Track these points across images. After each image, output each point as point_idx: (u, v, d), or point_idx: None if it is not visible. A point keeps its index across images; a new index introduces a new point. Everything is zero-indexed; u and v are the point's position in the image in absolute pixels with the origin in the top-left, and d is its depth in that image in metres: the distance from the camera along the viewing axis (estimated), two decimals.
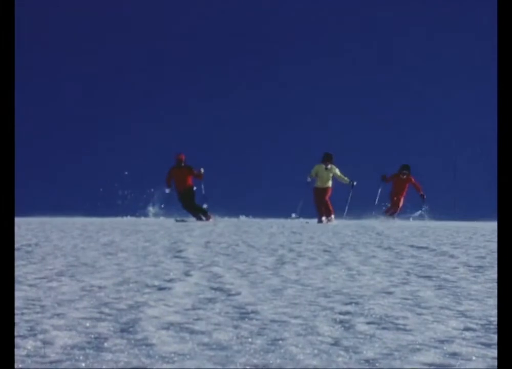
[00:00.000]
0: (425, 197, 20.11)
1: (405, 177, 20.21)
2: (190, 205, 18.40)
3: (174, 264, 6.64)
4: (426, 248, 8.59)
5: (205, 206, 18.45)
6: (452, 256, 7.66)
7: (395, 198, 20.35)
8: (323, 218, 18.55)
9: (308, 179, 18.71)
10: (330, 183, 18.88)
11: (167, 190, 18.55)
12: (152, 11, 26.06)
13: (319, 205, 18.69)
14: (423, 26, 25.75)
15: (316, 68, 26.37)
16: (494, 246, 9.01)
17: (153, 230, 11.70)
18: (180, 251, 7.88)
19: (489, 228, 12.91)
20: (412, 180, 20.28)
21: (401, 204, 20.35)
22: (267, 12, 26.15)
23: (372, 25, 26.17)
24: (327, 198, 18.68)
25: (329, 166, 18.77)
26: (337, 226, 14.99)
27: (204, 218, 18.09)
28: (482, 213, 19.16)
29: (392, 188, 20.45)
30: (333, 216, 18.60)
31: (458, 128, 24.98)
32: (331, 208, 18.80)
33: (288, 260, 7.14)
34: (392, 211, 20.31)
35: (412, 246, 8.84)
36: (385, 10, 25.87)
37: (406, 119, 25.94)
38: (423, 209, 20.38)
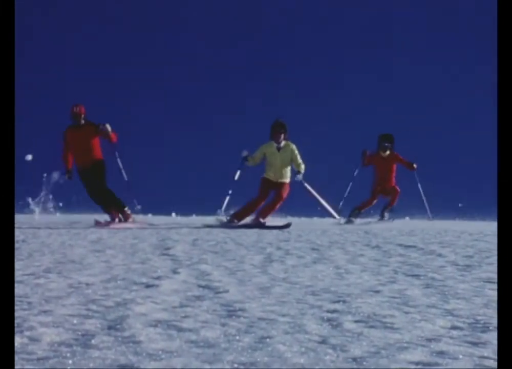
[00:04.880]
0: (415, 166, 14.73)
1: (387, 153, 14.58)
2: (99, 191, 12.01)
3: (162, 262, 6.64)
4: (414, 247, 8.61)
5: (138, 206, 12.51)
6: (440, 255, 7.68)
7: (379, 188, 14.69)
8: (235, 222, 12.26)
9: (244, 153, 12.64)
10: (288, 175, 12.54)
11: (67, 177, 12.11)
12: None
13: (258, 200, 12.46)
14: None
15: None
16: (482, 245, 9.05)
17: (142, 228, 11.68)
18: (168, 248, 7.87)
19: (476, 228, 12.95)
20: (399, 156, 14.74)
21: (396, 195, 14.68)
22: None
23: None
24: (283, 193, 12.45)
25: (282, 143, 12.41)
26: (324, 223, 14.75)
27: (118, 217, 12.16)
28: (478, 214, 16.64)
29: (374, 175, 14.75)
30: (263, 220, 12.25)
31: (458, 126, 24.85)
32: (275, 208, 12.46)
33: (276, 258, 7.14)
34: (366, 205, 14.70)
35: (400, 245, 8.86)
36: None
37: (403, 114, 25.56)
38: (419, 186, 15.04)
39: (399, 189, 14.78)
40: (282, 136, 12.42)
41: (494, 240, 9.73)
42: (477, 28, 23.71)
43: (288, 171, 12.54)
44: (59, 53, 24.70)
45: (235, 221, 12.33)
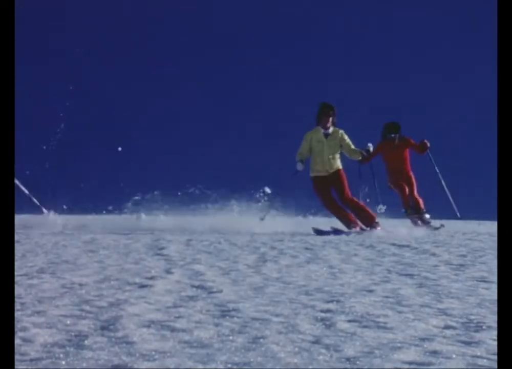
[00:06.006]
0: (428, 145, 12.86)
1: (396, 141, 12.81)
2: None
3: (155, 262, 6.63)
4: (407, 246, 8.62)
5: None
6: (433, 254, 7.69)
7: (400, 183, 12.77)
8: (358, 227, 10.72)
9: (299, 167, 10.97)
10: (339, 163, 10.92)
11: None
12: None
13: (337, 210, 10.83)
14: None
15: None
16: (475, 244, 9.06)
17: (135, 228, 11.67)
18: (162, 248, 7.86)
19: (470, 227, 12.97)
20: (410, 139, 12.90)
21: (414, 185, 12.82)
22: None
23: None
24: (347, 193, 10.83)
25: (331, 129, 10.89)
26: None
27: None
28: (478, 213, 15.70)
29: (387, 168, 12.98)
30: (378, 221, 10.88)
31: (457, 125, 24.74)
32: (366, 208, 10.93)
33: (269, 257, 7.14)
34: (414, 206, 12.75)
35: (393, 244, 8.87)
36: None
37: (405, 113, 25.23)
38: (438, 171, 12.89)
39: (414, 180, 12.93)
40: (331, 119, 10.83)
41: (487, 239, 9.75)
42: (477, 28, 23.73)
43: (337, 160, 10.89)
44: (58, 51, 24.71)
45: (354, 225, 10.77)
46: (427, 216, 12.93)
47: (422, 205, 12.89)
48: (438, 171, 13.21)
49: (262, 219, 11.96)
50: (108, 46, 25.26)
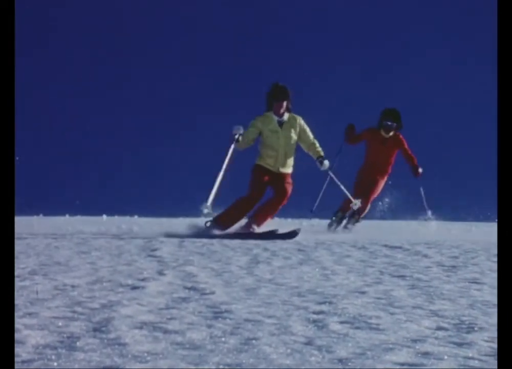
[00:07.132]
0: (420, 172, 10.97)
1: (390, 134, 10.95)
2: None
3: (148, 263, 6.62)
4: (400, 247, 8.63)
5: None
6: (425, 256, 7.70)
7: (365, 179, 10.99)
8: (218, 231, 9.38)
9: (238, 129, 9.22)
10: (292, 163, 9.42)
11: None
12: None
13: (251, 199, 9.38)
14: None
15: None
16: (467, 246, 9.08)
17: (127, 229, 11.66)
18: (154, 250, 7.86)
19: (463, 228, 12.98)
20: (404, 143, 11.03)
21: (375, 193, 11.04)
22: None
23: None
24: (288, 189, 9.38)
25: (285, 115, 9.26)
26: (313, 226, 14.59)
27: None
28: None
29: (365, 159, 11.18)
30: (257, 228, 9.50)
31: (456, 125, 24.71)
32: (276, 210, 9.54)
33: (262, 259, 7.14)
34: (353, 212, 10.87)
35: (386, 245, 8.87)
36: None
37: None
38: (425, 204, 11.59)
39: (381, 184, 11.09)
40: (284, 104, 9.14)
41: (480, 241, 9.77)
42: (477, 28, 23.76)
43: (292, 157, 9.31)
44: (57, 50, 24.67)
45: (220, 227, 9.55)
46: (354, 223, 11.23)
47: (363, 212, 11.08)
48: (426, 207, 11.82)
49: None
50: (108, 46, 25.20)
